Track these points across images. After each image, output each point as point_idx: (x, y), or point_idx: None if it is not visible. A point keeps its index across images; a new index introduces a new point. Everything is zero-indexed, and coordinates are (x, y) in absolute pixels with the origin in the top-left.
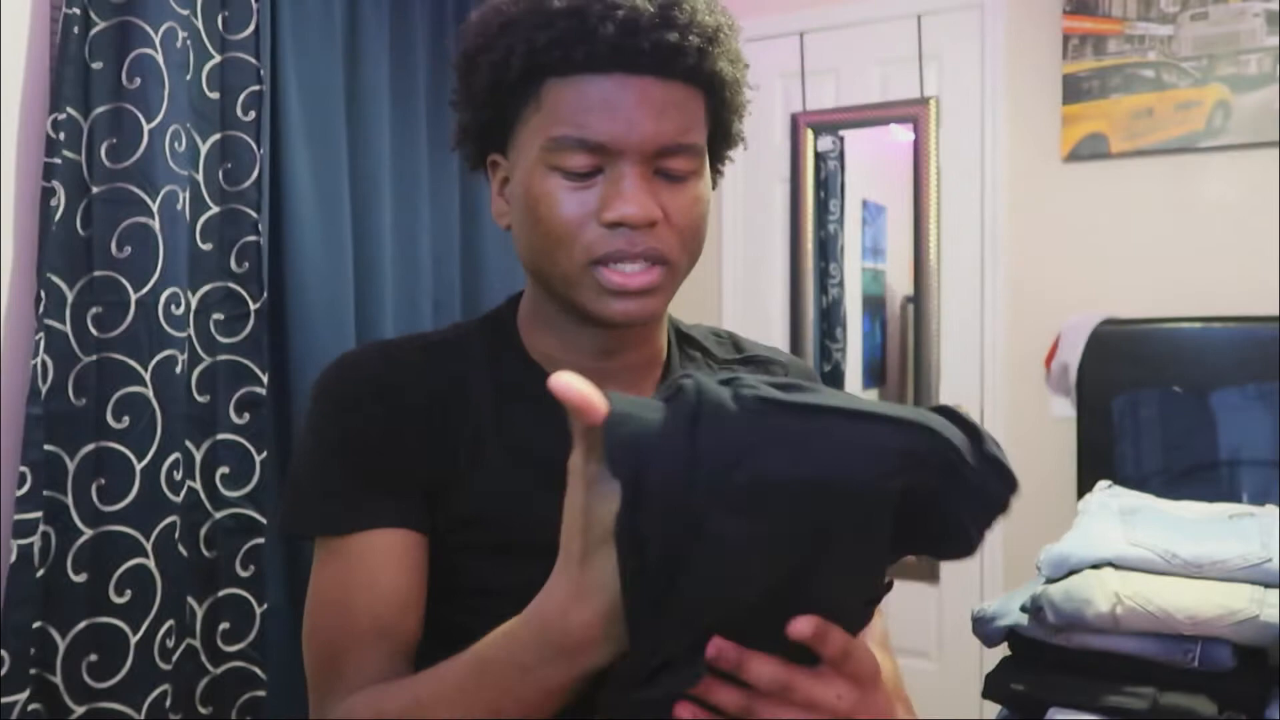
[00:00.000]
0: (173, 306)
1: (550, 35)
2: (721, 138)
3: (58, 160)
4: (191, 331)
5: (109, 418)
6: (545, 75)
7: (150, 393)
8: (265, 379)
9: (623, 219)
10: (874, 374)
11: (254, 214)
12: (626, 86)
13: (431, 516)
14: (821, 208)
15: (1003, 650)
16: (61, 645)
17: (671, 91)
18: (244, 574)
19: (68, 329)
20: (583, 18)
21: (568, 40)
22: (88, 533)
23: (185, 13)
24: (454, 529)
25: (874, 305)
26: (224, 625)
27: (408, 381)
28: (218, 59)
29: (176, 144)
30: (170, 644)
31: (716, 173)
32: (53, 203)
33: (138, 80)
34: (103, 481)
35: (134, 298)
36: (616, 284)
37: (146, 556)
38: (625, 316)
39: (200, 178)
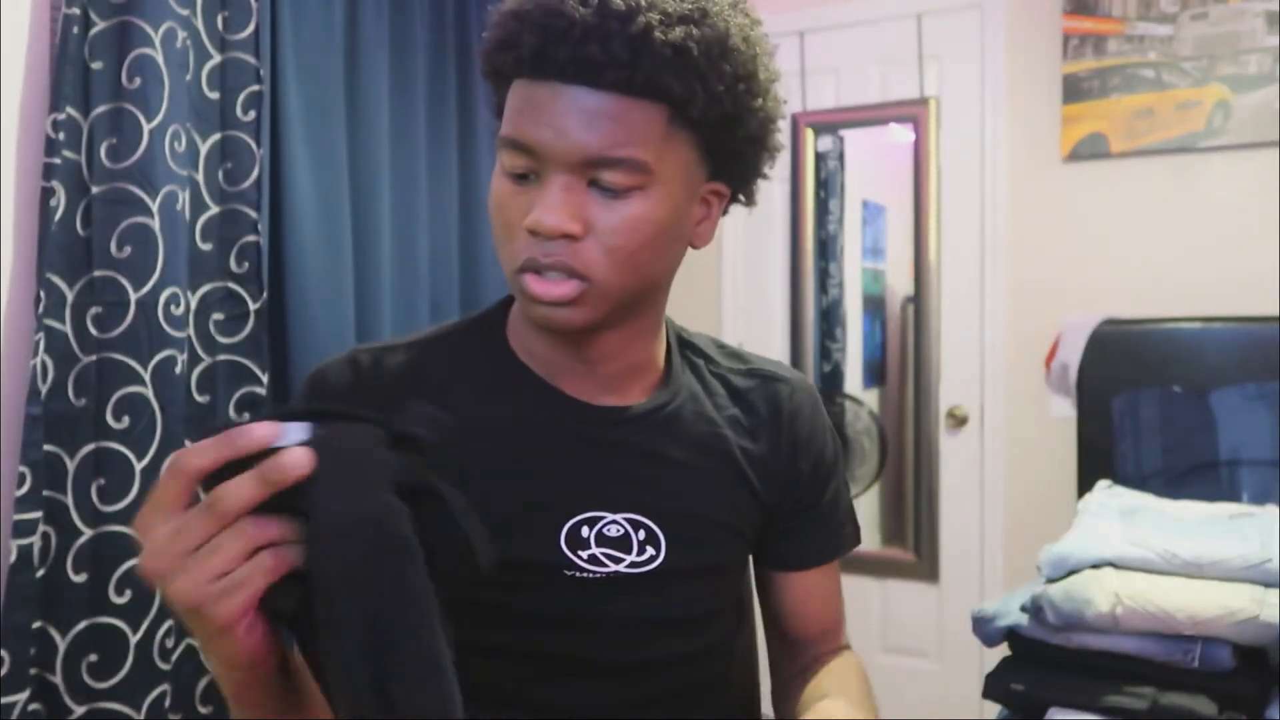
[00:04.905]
0: (172, 306)
1: (496, 36)
2: (726, 160)
3: (58, 160)
4: (191, 331)
5: (109, 418)
6: (511, 77)
7: (150, 393)
8: (265, 379)
9: (534, 226)
10: (874, 374)
11: (254, 214)
12: (559, 94)
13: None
14: (821, 208)
15: (1003, 650)
16: (61, 645)
17: (606, 103)
18: None
19: (68, 329)
20: (519, 23)
21: (506, 44)
22: (88, 533)
23: (185, 13)
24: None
25: (874, 305)
26: None
27: (383, 396)
28: (218, 59)
29: (176, 144)
30: (170, 644)
31: (746, 196)
32: (53, 203)
33: (138, 80)
34: (103, 481)
35: (134, 298)
36: (535, 292)
37: None
38: (546, 323)
39: (200, 178)
